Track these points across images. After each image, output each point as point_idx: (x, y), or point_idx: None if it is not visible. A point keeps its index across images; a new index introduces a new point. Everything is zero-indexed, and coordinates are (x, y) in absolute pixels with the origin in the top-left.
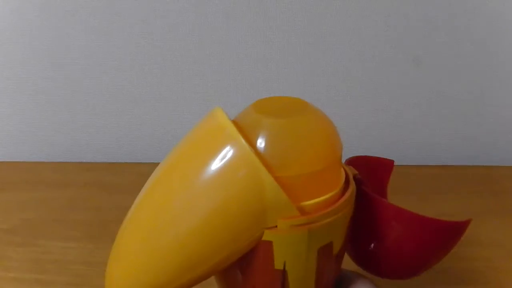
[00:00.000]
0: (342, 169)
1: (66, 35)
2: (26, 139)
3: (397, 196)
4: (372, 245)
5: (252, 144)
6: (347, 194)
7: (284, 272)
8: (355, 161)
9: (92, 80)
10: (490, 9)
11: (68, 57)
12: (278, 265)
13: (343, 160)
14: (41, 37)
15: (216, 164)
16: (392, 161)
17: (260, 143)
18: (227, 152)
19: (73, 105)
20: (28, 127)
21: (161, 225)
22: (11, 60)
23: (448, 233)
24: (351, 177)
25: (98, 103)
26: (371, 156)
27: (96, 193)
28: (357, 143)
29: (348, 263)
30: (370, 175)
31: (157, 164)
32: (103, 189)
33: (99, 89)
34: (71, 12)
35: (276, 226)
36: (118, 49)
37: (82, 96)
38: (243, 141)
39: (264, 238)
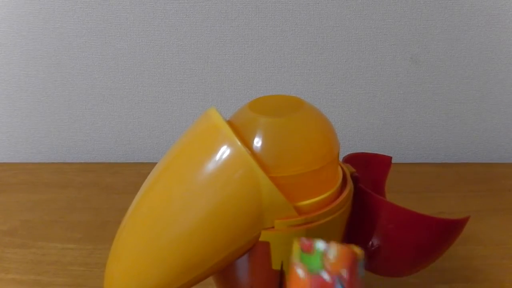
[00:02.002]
0: (339, 168)
1: (64, 36)
2: (25, 140)
3: (396, 194)
4: (370, 243)
5: (248, 144)
6: (345, 193)
7: (281, 272)
8: (352, 158)
9: (90, 81)
10: (488, 6)
11: (66, 58)
12: (276, 265)
13: (341, 158)
14: (39, 38)
15: (212, 165)
16: (390, 158)
17: (256, 142)
18: (223, 153)
19: (72, 106)
20: (27, 128)
21: (160, 226)
22: (10, 62)
23: (446, 231)
24: (348, 175)
25: (96, 104)
26: (369, 153)
27: (95, 194)
28: (355, 142)
29: None
30: (368, 172)
31: (155, 164)
32: (102, 190)
33: (97, 89)
34: (69, 13)
35: (273, 227)
36: (117, 50)
37: (81, 97)
38: (238, 141)
39: (261, 238)
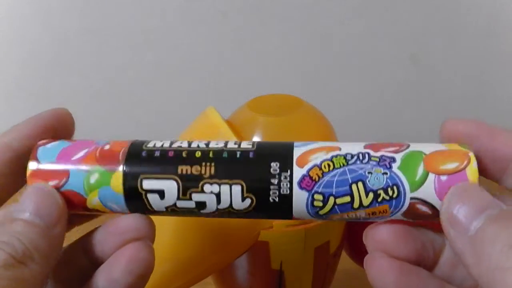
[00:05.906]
0: None
1: (63, 36)
2: None
3: None
4: None
5: None
6: None
7: (280, 272)
8: None
9: (89, 81)
10: (488, 5)
11: (65, 57)
12: (275, 265)
13: None
14: (38, 38)
15: None
16: None
17: None
18: None
19: (71, 106)
20: None
21: (157, 225)
22: (9, 61)
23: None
24: None
25: (95, 104)
26: None
27: None
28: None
29: (346, 261)
30: None
31: None
32: None
33: (96, 89)
34: (68, 12)
35: (272, 227)
36: (115, 50)
37: (79, 97)
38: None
39: (261, 238)
